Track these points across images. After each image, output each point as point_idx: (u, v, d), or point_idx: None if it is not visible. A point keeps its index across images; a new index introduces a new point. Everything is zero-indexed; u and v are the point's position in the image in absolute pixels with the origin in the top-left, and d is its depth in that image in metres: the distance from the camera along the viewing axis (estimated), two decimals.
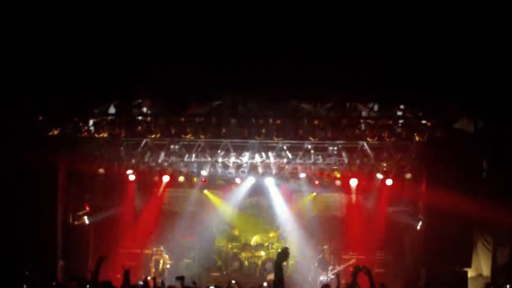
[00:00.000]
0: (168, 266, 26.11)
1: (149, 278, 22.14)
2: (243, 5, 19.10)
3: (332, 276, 24.77)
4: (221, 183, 29.28)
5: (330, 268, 25.33)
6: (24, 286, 17.11)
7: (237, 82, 20.58)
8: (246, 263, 29.02)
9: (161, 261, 26.07)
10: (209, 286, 18.21)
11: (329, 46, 19.75)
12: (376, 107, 23.35)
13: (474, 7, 18.75)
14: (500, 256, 23.35)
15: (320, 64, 20.03)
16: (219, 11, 19.17)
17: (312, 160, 25.86)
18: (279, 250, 12.58)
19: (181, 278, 18.02)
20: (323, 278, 25.16)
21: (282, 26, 19.41)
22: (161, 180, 28.22)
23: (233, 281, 18.07)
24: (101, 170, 26.14)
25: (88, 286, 16.22)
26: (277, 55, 19.80)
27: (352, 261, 26.76)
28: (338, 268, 24.92)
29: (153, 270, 25.68)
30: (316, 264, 25.83)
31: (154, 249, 26.70)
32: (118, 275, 23.41)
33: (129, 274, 17.12)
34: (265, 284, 19.23)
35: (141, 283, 17.25)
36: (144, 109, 23.76)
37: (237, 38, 19.60)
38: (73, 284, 18.15)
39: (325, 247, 26.20)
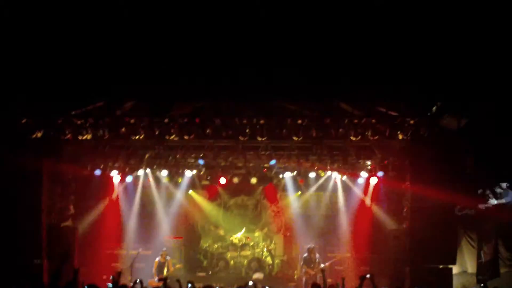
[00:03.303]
0: (172, 268, 25.71)
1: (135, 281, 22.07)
2: (229, 7, 19.12)
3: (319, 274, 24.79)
4: (206, 183, 29.33)
5: (315, 266, 25.30)
6: None
7: (221, 82, 20.56)
8: (232, 262, 29.05)
9: (166, 265, 25.63)
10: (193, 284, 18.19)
11: (313, 44, 19.78)
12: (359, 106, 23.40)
13: (457, 6, 18.84)
14: (484, 253, 23.49)
15: (304, 63, 20.05)
16: (205, 13, 19.17)
17: (297, 159, 25.97)
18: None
19: (163, 279, 18.05)
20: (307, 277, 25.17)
21: (266, 25, 19.42)
22: (146, 181, 28.27)
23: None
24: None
25: None
26: (260, 55, 19.81)
27: (337, 258, 26.89)
28: (323, 265, 24.94)
29: (156, 274, 25.22)
30: (302, 263, 25.86)
31: (161, 253, 26.13)
32: (104, 277, 23.49)
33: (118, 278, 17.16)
34: (250, 283, 19.23)
35: (110, 285, 17.17)
36: (128, 111, 23.72)
37: (221, 38, 19.60)
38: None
39: (310, 245, 26.23)
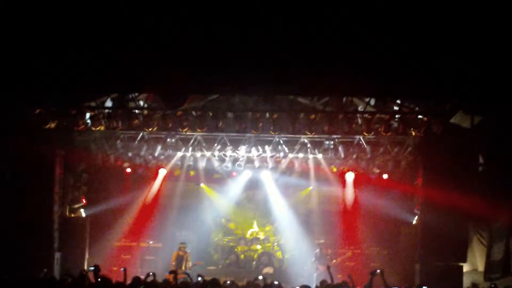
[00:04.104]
0: (190, 264, 25.60)
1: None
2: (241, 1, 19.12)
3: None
4: (217, 177, 29.29)
5: (327, 262, 25.24)
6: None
7: (234, 76, 20.55)
8: (242, 256, 29.09)
9: (185, 258, 25.65)
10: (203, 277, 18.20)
11: (326, 41, 19.75)
12: (372, 102, 23.37)
13: (471, 4, 18.80)
14: (495, 251, 23.39)
15: (317, 58, 20.02)
16: (217, 8, 19.17)
17: (309, 154, 25.94)
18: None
19: (173, 272, 18.07)
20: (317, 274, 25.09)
21: (279, 21, 19.40)
22: (157, 173, 28.28)
23: (228, 282, 18.12)
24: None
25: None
26: (274, 50, 19.79)
27: (348, 255, 26.86)
28: (333, 262, 24.93)
29: (174, 266, 24.99)
30: (313, 259, 25.84)
31: (179, 246, 26.01)
32: (114, 268, 23.51)
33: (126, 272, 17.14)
34: (260, 277, 19.23)
35: (92, 268, 17.06)
36: (141, 103, 23.77)
37: (234, 33, 19.59)
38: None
39: (321, 241, 26.25)
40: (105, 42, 19.73)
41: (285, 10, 19.23)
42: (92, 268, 16.47)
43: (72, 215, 25.41)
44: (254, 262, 28.81)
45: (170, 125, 22.74)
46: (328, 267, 19.24)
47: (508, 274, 22.82)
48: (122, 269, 17.68)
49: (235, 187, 30.06)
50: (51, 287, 16.67)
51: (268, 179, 29.20)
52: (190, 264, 25.52)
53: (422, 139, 22.89)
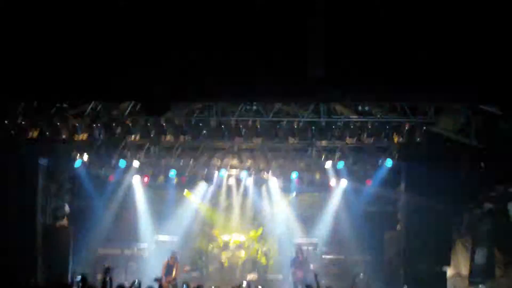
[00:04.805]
0: (183, 273, 25.50)
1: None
2: (224, 10, 19.09)
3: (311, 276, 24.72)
4: (201, 183, 29.26)
5: (304, 267, 25.16)
6: None
7: (216, 83, 20.52)
8: (227, 263, 29.04)
9: (175, 268, 25.39)
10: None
11: (309, 45, 19.75)
12: (355, 108, 23.39)
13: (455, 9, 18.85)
14: (478, 256, 23.51)
15: (300, 64, 20.02)
16: (202, 15, 19.13)
17: (293, 160, 25.97)
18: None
19: (159, 280, 18.06)
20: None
21: (261, 26, 19.39)
22: (141, 181, 28.24)
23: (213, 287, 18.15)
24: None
25: None
26: (257, 56, 19.78)
27: (327, 261, 26.88)
28: (313, 268, 24.92)
29: (163, 276, 24.78)
30: (290, 264, 25.65)
31: (170, 255, 25.83)
32: (99, 276, 23.41)
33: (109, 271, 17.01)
34: (244, 284, 19.25)
35: (79, 278, 17.02)
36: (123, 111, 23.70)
37: (217, 38, 19.58)
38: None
39: (298, 246, 26.21)
40: (87, 50, 19.64)
41: (267, 16, 19.22)
42: (79, 278, 16.41)
43: (56, 224, 25.29)
44: (238, 269, 28.78)
45: (153, 133, 22.65)
46: (316, 276, 19.25)
47: (490, 278, 22.93)
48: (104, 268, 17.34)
49: (219, 194, 30.08)
50: None
51: (252, 185, 29.20)
52: (179, 272, 25.38)
53: (405, 145, 22.92)
